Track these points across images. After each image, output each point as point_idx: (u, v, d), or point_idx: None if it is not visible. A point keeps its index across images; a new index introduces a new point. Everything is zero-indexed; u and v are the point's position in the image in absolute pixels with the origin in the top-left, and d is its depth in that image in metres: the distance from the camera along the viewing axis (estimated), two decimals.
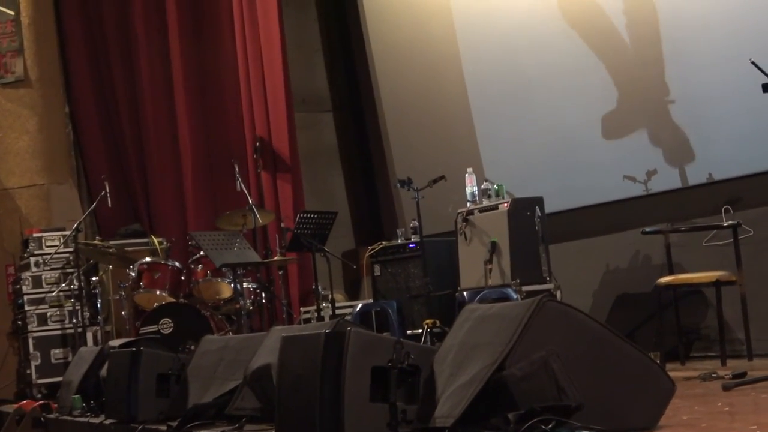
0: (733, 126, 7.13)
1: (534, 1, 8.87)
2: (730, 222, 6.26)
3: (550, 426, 3.43)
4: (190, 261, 8.75)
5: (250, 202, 9.12)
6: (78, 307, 8.70)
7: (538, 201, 7.32)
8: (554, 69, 8.71)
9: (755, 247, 6.25)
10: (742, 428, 2.66)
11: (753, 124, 6.11)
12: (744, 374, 5.27)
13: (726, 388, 4.95)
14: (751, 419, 3.92)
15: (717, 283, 6.30)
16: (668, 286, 6.51)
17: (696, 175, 7.46)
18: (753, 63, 5.66)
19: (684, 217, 7.02)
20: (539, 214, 7.25)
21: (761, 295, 6.29)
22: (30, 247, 9.02)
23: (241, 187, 9.31)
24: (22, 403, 7.86)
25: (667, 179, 7.50)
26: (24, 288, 8.92)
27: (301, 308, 9.25)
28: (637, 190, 7.67)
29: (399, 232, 8.71)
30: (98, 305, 8.67)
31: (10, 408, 8.00)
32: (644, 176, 7.62)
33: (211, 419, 5.27)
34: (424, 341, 6.78)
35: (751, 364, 6.00)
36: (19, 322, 9.08)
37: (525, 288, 6.92)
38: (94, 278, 8.77)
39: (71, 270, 8.79)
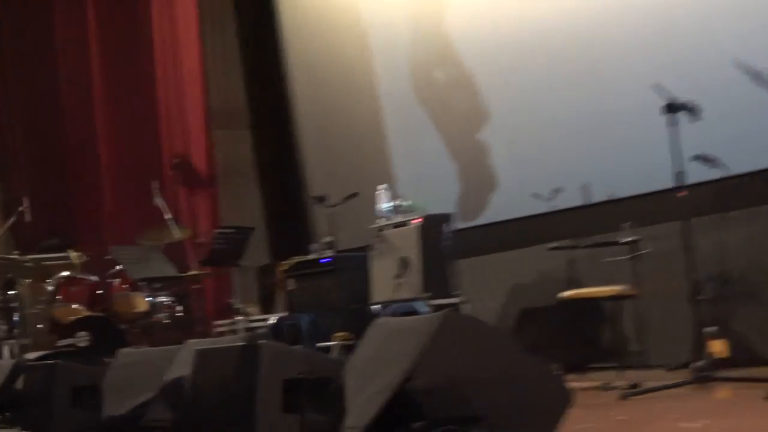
0: (634, 146, 7.29)
1: (445, 25, 9.03)
2: (628, 238, 6.40)
3: None
4: (107, 275, 8.76)
5: (168, 217, 9.23)
6: None
7: (448, 217, 7.42)
8: (467, 89, 8.87)
9: (653, 263, 6.38)
10: None
11: (653, 144, 6.24)
12: (636, 386, 5.55)
13: (623, 398, 5.23)
14: (646, 428, 4.16)
15: (616, 297, 6.46)
16: (570, 300, 6.64)
17: (598, 193, 7.64)
18: (656, 87, 5.89)
19: (587, 233, 7.12)
20: (449, 230, 7.34)
21: (658, 309, 6.49)
22: None
23: (158, 202, 9.38)
24: None
25: (571, 197, 7.67)
26: None
27: (215, 321, 9.30)
28: (542, 208, 7.81)
29: (313, 247, 8.70)
30: (14, 319, 8.61)
31: None
32: (549, 194, 7.75)
33: (130, 429, 5.41)
34: (335, 354, 6.86)
35: (647, 374, 6.13)
36: None
37: (434, 302, 6.99)
38: (10, 292, 8.70)
39: None
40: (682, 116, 5.77)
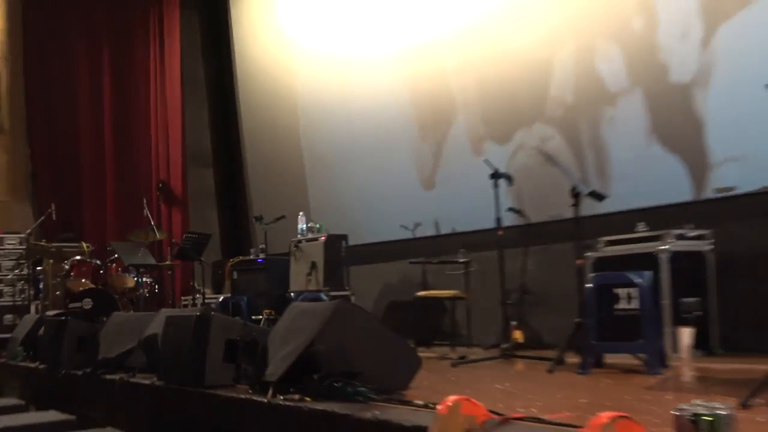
0: (469, 199, 7.18)
1: (355, 91, 8.87)
2: (463, 259, 6.40)
3: (339, 384, 3.49)
4: (107, 260, 8.56)
5: (152, 223, 9.06)
6: (26, 287, 8.51)
7: (344, 237, 7.33)
8: (358, 151, 8.73)
9: (478, 277, 6.37)
10: (460, 391, 2.74)
11: (483, 199, 6.14)
12: (465, 357, 5.54)
13: (453, 365, 5.20)
14: (470, 386, 4.07)
15: (453, 298, 6.55)
16: (422, 298, 6.63)
17: (444, 228, 7.62)
18: (486, 161, 5.86)
19: (436, 253, 7.05)
20: (344, 245, 7.27)
21: (480, 307, 6.44)
22: None
23: (146, 213, 9.20)
24: None
25: (427, 229, 7.65)
26: None
27: (181, 297, 9.17)
28: (407, 234, 7.79)
29: (252, 250, 8.62)
30: (40, 287, 8.42)
31: None
32: (412, 226, 7.75)
33: (114, 369, 5.21)
34: (264, 323, 6.77)
35: (471, 351, 6.17)
36: None
37: (331, 293, 6.93)
38: (38, 268, 8.50)
39: (23, 261, 8.54)
40: (502, 182, 5.75)
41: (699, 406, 2.10)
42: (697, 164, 5.81)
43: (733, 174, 5.60)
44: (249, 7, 10.47)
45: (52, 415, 4.75)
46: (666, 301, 5.08)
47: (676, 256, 5.22)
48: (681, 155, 5.92)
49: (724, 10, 5.67)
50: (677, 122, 5.95)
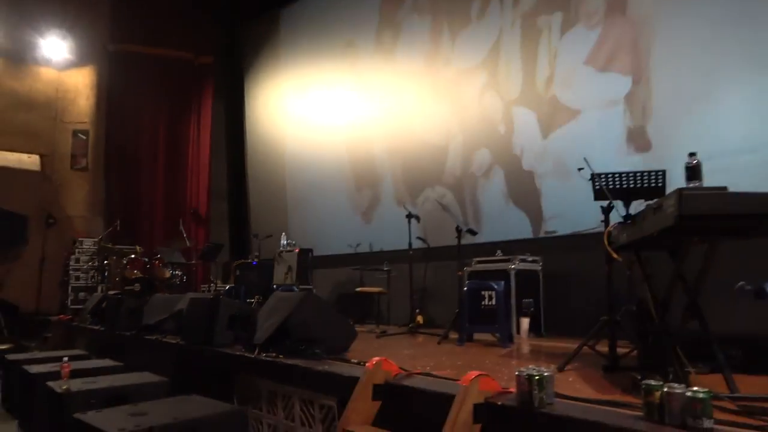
0: (391, 230, 7.08)
1: (320, 149, 8.85)
2: (386, 268, 6.37)
3: (303, 347, 3.45)
4: (153, 259, 8.27)
5: (185, 236, 8.84)
6: (95, 275, 8.23)
7: (311, 250, 7.23)
8: (326, 185, 8.62)
9: (396, 279, 6.37)
10: (381, 354, 2.75)
11: (400, 230, 6.06)
12: (385, 332, 5.44)
13: (378, 336, 5.13)
14: (388, 350, 4.05)
15: (380, 293, 6.42)
16: (361, 292, 6.54)
17: (376, 247, 7.54)
18: (409, 215, 5.85)
19: (369, 264, 7.01)
20: (310, 255, 7.17)
21: (396, 299, 6.47)
22: (76, 244, 8.48)
23: (181, 228, 8.98)
24: (60, 316, 7.53)
25: (365, 247, 7.60)
26: (71, 263, 8.37)
27: (201, 285, 8.91)
28: (352, 250, 7.70)
29: (250, 256, 8.43)
30: (105, 274, 8.09)
31: (55, 318, 7.55)
32: (354, 245, 7.64)
33: (153, 331, 5.09)
34: (255, 304, 6.61)
35: (389, 327, 6.12)
36: (65, 278, 8.43)
37: (301, 286, 6.77)
38: (105, 262, 8.18)
39: (95, 257, 8.29)
40: (413, 220, 5.78)
41: (532, 369, 2.15)
42: (535, 217, 5.96)
43: (556, 224, 5.76)
44: (257, 98, 10.40)
45: (107, 362, 4.62)
46: (513, 301, 5.14)
47: (519, 272, 5.30)
48: (525, 211, 6.06)
49: (555, 122, 5.86)
50: (524, 192, 6.07)
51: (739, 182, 2.40)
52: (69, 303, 8.16)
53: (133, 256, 8.18)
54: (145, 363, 4.43)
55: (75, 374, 3.66)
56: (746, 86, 4.53)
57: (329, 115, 8.74)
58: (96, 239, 8.45)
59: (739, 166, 4.46)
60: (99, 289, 7.96)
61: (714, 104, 4.71)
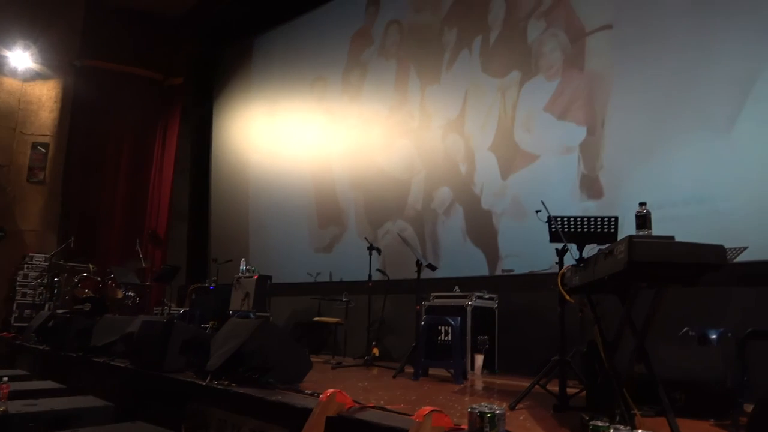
0: (353, 262, 7.12)
1: (283, 178, 8.80)
2: (345, 299, 6.32)
3: (256, 375, 3.38)
4: (106, 278, 7.98)
5: (141, 256, 8.62)
6: (43, 292, 7.92)
7: (270, 277, 7.11)
8: (289, 214, 8.58)
9: (354, 311, 6.32)
10: (336, 385, 2.72)
11: (363, 263, 6.19)
12: (341, 363, 5.38)
13: (333, 368, 5.10)
14: (341, 382, 4.00)
15: (337, 323, 6.40)
16: (317, 321, 6.51)
17: (335, 277, 7.48)
18: (371, 247, 5.85)
19: (328, 294, 6.90)
20: (269, 282, 7.04)
21: (353, 330, 6.37)
22: (26, 259, 8.16)
23: (138, 248, 8.75)
24: (2, 333, 7.30)
25: (324, 276, 7.54)
26: (19, 278, 8.04)
27: (155, 307, 8.63)
28: (311, 279, 7.59)
29: (207, 280, 8.19)
30: (55, 292, 7.78)
31: None
32: (314, 274, 7.56)
33: (101, 354, 4.91)
34: (210, 330, 6.43)
35: (345, 359, 6.05)
36: (11, 294, 8.08)
37: (258, 313, 6.66)
38: (56, 279, 7.88)
39: (45, 273, 7.99)
40: (374, 252, 5.79)
41: (485, 406, 2.16)
42: (491, 255, 6.05)
43: (511, 263, 5.85)
44: (225, 123, 10.33)
45: (49, 384, 4.41)
46: (468, 337, 5.15)
47: (476, 309, 5.32)
48: (482, 249, 6.14)
49: (515, 165, 6.00)
50: (482, 230, 6.16)
51: (686, 232, 2.50)
52: (12, 320, 7.79)
53: (85, 274, 7.88)
54: (90, 386, 4.25)
55: (14, 395, 3.50)
56: (695, 143, 4.76)
57: (296, 144, 8.75)
58: (48, 255, 8.13)
59: (687, 216, 4.66)
60: (47, 307, 7.63)
61: (664, 157, 4.93)
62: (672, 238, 2.18)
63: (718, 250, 2.12)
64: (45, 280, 7.88)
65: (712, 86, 4.74)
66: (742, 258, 3.48)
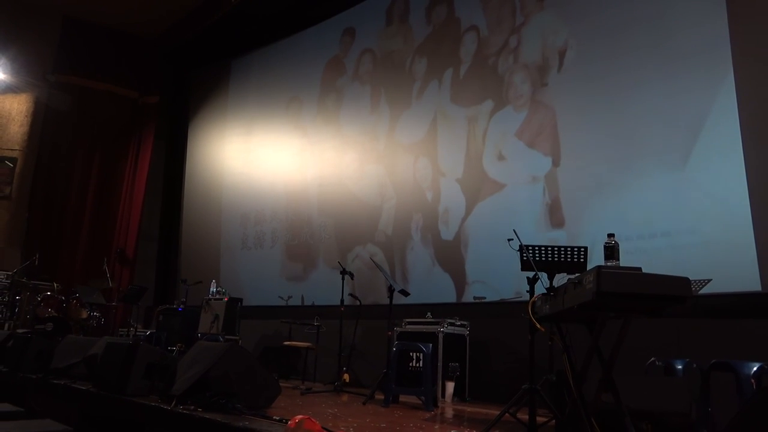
0: (327, 288, 7.09)
1: (258, 203, 8.73)
2: (317, 323, 6.25)
3: (223, 400, 3.32)
4: (70, 297, 7.71)
5: (107, 275, 8.42)
6: (3, 309, 7.56)
7: (240, 300, 7.04)
8: (262, 238, 8.50)
9: (325, 335, 6.24)
10: (305, 412, 2.67)
11: (336, 288, 6.18)
12: (311, 389, 5.28)
13: (303, 393, 5.00)
14: (311, 408, 3.95)
15: (307, 348, 6.30)
16: (288, 346, 6.38)
17: (308, 300, 7.39)
18: (344, 271, 5.83)
19: (301, 317, 6.74)
20: (239, 305, 6.96)
21: (324, 356, 6.32)
22: None
23: (105, 268, 8.55)
24: None
25: (296, 300, 7.43)
26: None
27: (120, 329, 8.36)
28: (282, 303, 7.37)
29: (175, 302, 8.05)
30: (16, 311, 7.47)
31: None
32: (287, 297, 7.34)
33: (61, 376, 4.75)
34: (177, 353, 6.29)
35: (315, 385, 5.97)
36: None
37: (227, 337, 6.55)
38: (17, 297, 7.57)
39: (6, 291, 7.61)
40: (347, 277, 5.75)
41: None
42: (459, 282, 6.09)
43: (478, 289, 5.89)
44: (199, 143, 10.25)
45: (5, 407, 4.21)
46: (440, 364, 5.14)
47: (447, 336, 5.33)
48: (451, 276, 6.17)
49: (482, 194, 6.09)
50: (450, 257, 6.20)
51: (649, 264, 2.57)
52: None
53: (48, 293, 7.61)
54: (49, 410, 4.09)
55: None
56: (662, 178, 4.90)
57: (270, 166, 8.74)
58: (10, 272, 7.85)
59: (651, 249, 4.77)
60: (6, 326, 7.34)
61: (630, 191, 5.06)
62: (639, 269, 2.23)
63: (684, 283, 2.17)
64: (6, 298, 7.56)
65: (667, 124, 4.92)
66: (706, 290, 3.56)
